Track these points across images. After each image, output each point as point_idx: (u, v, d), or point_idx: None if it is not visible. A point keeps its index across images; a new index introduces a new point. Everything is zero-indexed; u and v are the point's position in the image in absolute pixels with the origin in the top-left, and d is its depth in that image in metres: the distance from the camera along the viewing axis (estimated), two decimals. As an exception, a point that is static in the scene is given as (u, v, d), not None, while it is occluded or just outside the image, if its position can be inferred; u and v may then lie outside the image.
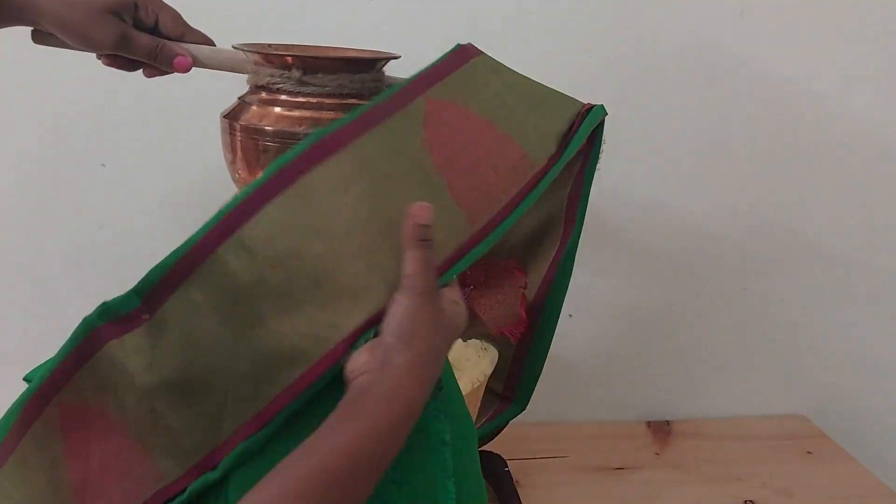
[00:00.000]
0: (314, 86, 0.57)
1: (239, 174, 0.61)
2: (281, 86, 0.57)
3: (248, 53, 0.59)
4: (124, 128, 0.89)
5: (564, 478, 0.91)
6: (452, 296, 0.48)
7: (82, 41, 0.58)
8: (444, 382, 0.52)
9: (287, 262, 0.44)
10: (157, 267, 0.44)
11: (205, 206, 0.73)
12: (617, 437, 1.00)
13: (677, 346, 1.04)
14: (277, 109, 0.58)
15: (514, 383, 0.74)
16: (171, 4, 0.62)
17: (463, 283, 0.66)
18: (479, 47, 0.59)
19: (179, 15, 0.62)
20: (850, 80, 0.92)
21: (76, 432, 0.46)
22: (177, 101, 0.82)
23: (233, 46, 0.59)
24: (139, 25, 0.60)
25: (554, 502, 0.87)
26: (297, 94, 0.57)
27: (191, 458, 0.45)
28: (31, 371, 0.55)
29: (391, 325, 0.44)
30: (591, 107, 0.61)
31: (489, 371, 0.65)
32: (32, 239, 0.93)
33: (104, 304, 0.44)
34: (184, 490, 0.45)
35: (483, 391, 0.68)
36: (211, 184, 0.70)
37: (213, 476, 0.45)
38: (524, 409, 0.74)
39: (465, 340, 0.65)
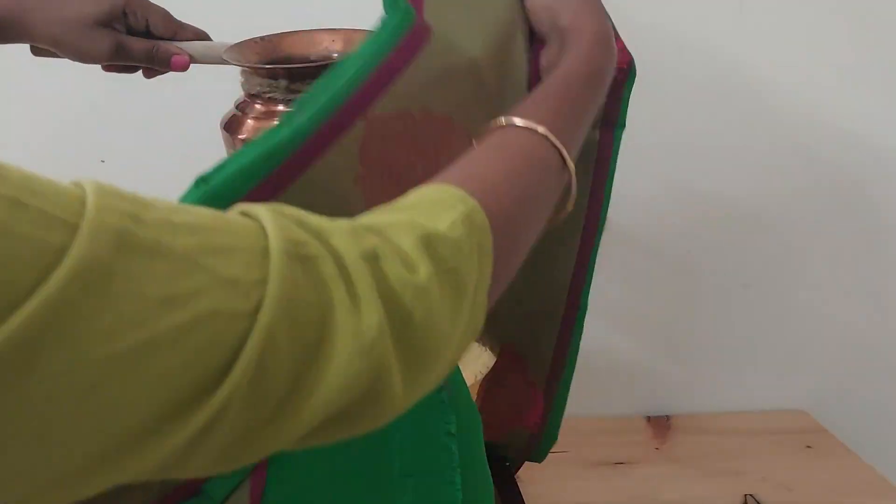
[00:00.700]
0: (304, 93, 0.57)
1: None
2: (271, 95, 0.58)
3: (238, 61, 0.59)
4: (124, 123, 0.89)
5: (565, 473, 0.91)
6: None
7: (78, 55, 0.58)
8: (449, 375, 0.52)
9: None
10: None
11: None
12: (617, 432, 1.00)
13: (677, 341, 1.04)
14: (273, 122, 0.58)
15: (530, 452, 0.74)
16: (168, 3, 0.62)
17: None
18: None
19: (169, 13, 0.62)
20: (851, 79, 0.92)
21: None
22: (176, 96, 0.82)
23: (221, 56, 0.59)
24: (131, 31, 0.60)
25: (555, 497, 0.87)
26: (289, 102, 0.57)
27: None
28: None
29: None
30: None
31: (491, 364, 0.65)
32: None
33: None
34: None
35: (498, 405, 0.68)
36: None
37: None
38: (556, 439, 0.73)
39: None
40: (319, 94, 0.41)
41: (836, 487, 0.89)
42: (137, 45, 0.60)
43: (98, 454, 0.23)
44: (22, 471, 0.22)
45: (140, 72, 0.64)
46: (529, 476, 0.88)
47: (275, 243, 0.27)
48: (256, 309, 0.25)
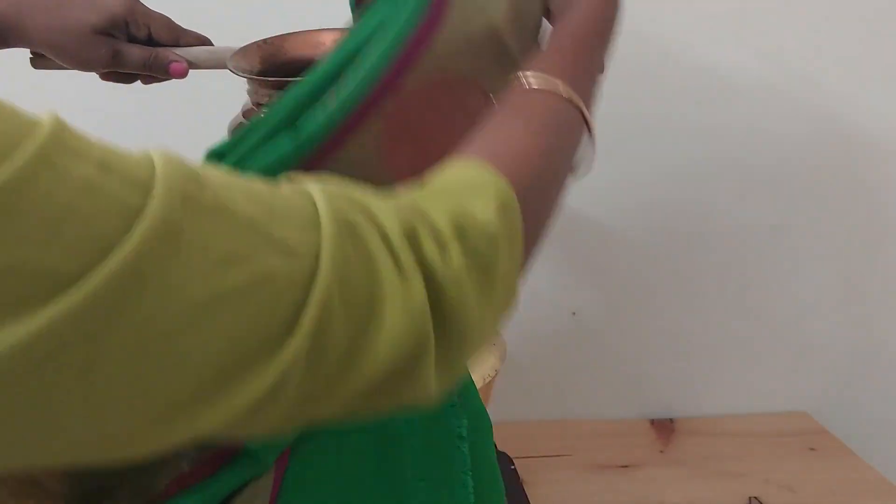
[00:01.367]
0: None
1: None
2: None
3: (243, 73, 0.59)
4: (125, 125, 0.89)
5: (569, 476, 0.91)
6: None
7: (76, 63, 0.59)
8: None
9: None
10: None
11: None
12: (620, 434, 1.00)
13: (680, 344, 1.04)
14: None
15: None
16: (168, 5, 0.62)
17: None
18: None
19: (170, 20, 0.63)
20: (854, 79, 0.93)
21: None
22: (179, 99, 0.82)
23: (227, 66, 0.59)
24: (132, 38, 0.60)
25: (559, 500, 0.87)
26: None
27: None
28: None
29: None
30: None
31: (499, 366, 0.65)
32: None
33: None
34: None
35: (492, 386, 0.69)
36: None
37: None
38: None
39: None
40: (358, 69, 0.42)
41: (839, 489, 0.89)
42: (135, 52, 0.60)
43: (176, 401, 0.25)
44: (109, 415, 0.24)
45: (139, 81, 0.65)
46: (534, 479, 0.88)
47: (326, 215, 0.28)
48: (312, 274, 0.27)
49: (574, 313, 1.01)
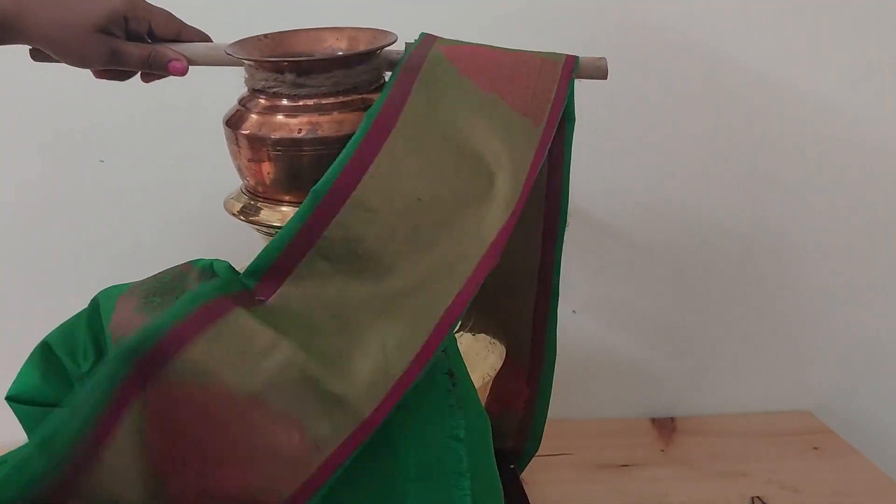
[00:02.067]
0: (310, 87, 0.56)
1: (247, 179, 0.60)
2: (276, 89, 0.57)
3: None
4: (124, 123, 0.88)
5: (570, 475, 0.90)
6: None
7: (74, 60, 0.58)
8: (458, 378, 0.51)
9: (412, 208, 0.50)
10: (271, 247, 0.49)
11: (205, 200, 0.73)
12: (621, 434, 0.99)
13: (681, 342, 1.04)
14: (278, 116, 0.57)
15: (523, 439, 0.78)
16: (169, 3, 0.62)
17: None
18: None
19: (171, 15, 0.62)
20: (855, 75, 0.92)
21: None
22: (177, 96, 0.81)
23: (225, 51, 0.59)
24: (131, 34, 0.60)
25: (559, 499, 0.86)
26: (294, 97, 0.56)
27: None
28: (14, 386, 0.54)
29: None
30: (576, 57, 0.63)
31: (498, 365, 0.64)
32: (31, 235, 0.92)
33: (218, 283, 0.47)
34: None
35: (490, 388, 0.68)
36: (211, 178, 0.69)
37: None
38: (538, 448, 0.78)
39: (474, 335, 0.64)
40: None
41: (844, 489, 0.88)
42: (134, 51, 0.59)
43: None
44: None
45: (137, 75, 0.64)
46: (534, 479, 0.87)
47: None
48: None
49: (574, 311, 1.01)
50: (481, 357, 0.62)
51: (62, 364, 0.51)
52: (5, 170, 0.89)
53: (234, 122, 0.59)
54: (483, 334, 0.65)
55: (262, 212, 0.59)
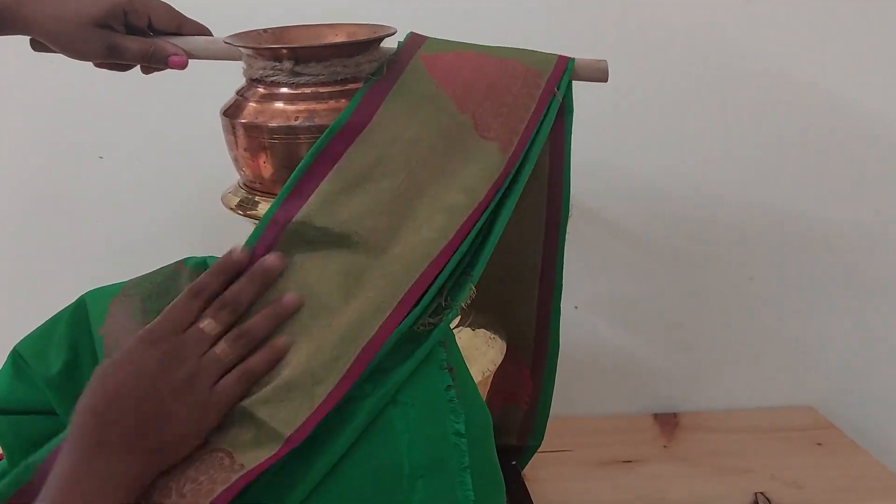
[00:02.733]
0: (308, 75, 0.56)
1: (244, 171, 0.60)
2: (274, 78, 0.56)
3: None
4: (122, 119, 0.88)
5: (572, 471, 0.90)
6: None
7: (72, 53, 0.59)
8: (458, 373, 0.51)
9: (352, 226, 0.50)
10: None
11: (202, 195, 0.72)
12: (624, 430, 0.99)
13: (683, 338, 1.04)
14: (275, 104, 0.57)
15: (526, 434, 0.77)
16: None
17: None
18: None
19: (171, 8, 0.62)
20: (858, 70, 0.92)
21: None
22: (175, 92, 0.81)
23: (224, 41, 0.59)
24: (132, 28, 0.59)
25: (562, 496, 0.86)
26: (292, 85, 0.56)
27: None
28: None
29: None
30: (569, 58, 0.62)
31: (498, 360, 0.64)
32: (29, 232, 0.92)
33: None
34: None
35: (490, 383, 0.68)
36: (209, 174, 0.69)
37: None
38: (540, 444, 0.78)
39: (473, 330, 0.64)
40: None
41: (847, 485, 0.88)
42: (133, 45, 0.59)
43: None
44: None
45: (137, 68, 0.64)
46: (536, 476, 0.87)
47: None
48: None
49: (576, 307, 1.00)
50: (481, 352, 0.62)
51: (31, 370, 0.51)
52: (3, 166, 0.89)
53: (231, 111, 0.59)
54: (482, 329, 0.65)
55: (259, 205, 0.58)
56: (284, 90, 0.57)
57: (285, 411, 0.45)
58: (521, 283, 0.67)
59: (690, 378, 1.05)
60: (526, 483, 0.83)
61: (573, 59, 0.61)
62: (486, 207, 0.53)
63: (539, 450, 0.84)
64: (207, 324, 0.46)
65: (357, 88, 0.57)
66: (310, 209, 0.50)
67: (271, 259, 0.49)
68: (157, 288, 0.51)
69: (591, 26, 0.88)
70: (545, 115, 0.58)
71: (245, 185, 0.61)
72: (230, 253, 0.49)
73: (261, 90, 0.58)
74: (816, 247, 0.99)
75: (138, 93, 0.84)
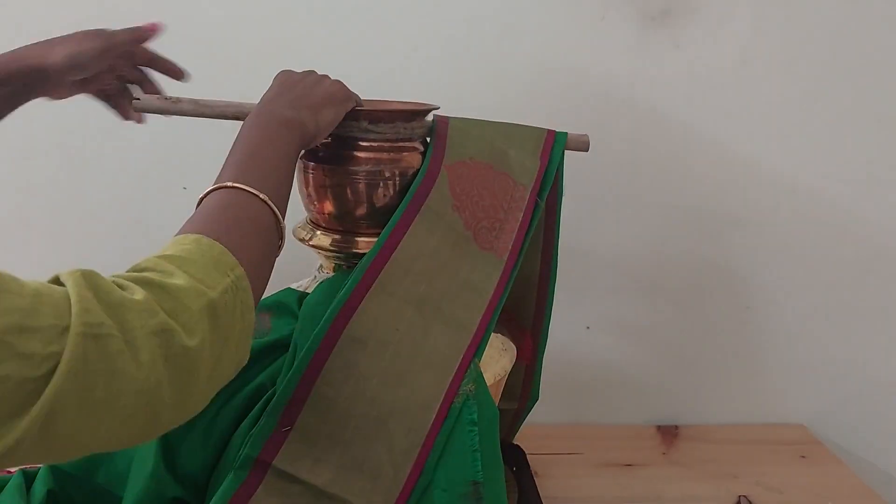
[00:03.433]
0: (377, 133, 0.70)
1: (314, 205, 0.74)
2: (351, 133, 0.70)
3: None
4: (202, 154, 0.99)
5: (578, 471, 1.00)
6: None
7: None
8: (475, 377, 0.65)
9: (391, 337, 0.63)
10: (286, 386, 0.60)
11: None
12: (628, 438, 1.08)
13: (686, 358, 1.11)
14: (348, 153, 0.71)
15: (526, 398, 0.89)
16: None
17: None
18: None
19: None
20: (844, 123, 1.01)
21: None
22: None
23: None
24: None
25: (568, 492, 0.95)
26: (364, 139, 0.70)
27: None
28: None
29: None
30: (556, 133, 0.75)
31: (509, 367, 0.75)
32: (34, 236, 1.01)
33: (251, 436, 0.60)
34: None
35: (503, 385, 0.79)
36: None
37: None
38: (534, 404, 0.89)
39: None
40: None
41: (823, 492, 0.97)
42: (120, 35, 0.68)
43: None
44: None
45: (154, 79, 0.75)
46: (546, 472, 0.98)
47: (74, 323, 0.35)
48: (46, 379, 0.34)
49: (588, 327, 1.10)
50: (494, 360, 0.73)
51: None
52: (8, 170, 0.97)
53: (306, 154, 0.72)
54: (496, 336, 0.76)
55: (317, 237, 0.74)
56: (357, 143, 0.70)
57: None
58: (525, 280, 0.80)
59: (692, 394, 1.13)
60: (536, 478, 0.94)
61: (564, 134, 0.75)
62: (499, 299, 0.68)
63: (551, 451, 0.95)
64: None
65: (409, 146, 0.71)
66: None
67: None
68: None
69: (573, 104, 0.99)
70: (532, 219, 0.72)
71: (311, 221, 0.76)
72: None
73: (332, 142, 0.71)
74: (808, 279, 1.07)
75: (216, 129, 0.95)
